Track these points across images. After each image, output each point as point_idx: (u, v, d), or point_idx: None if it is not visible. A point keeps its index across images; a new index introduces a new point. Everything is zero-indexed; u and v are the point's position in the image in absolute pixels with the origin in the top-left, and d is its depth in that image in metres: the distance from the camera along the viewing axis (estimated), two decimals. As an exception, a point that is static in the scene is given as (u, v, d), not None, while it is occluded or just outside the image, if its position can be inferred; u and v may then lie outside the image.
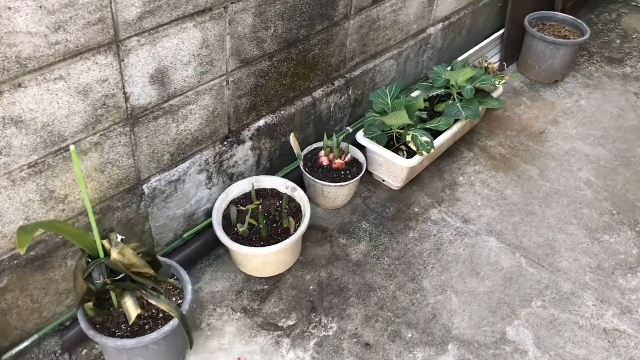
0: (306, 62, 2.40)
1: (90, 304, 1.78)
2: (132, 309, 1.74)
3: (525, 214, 2.62)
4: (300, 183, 2.54)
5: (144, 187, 2.01)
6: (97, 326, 1.79)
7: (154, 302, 1.79)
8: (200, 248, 2.28)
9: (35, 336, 1.93)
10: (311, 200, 2.57)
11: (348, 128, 2.85)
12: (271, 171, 2.54)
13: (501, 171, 2.84)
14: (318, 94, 2.56)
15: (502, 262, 2.39)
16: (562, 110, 3.27)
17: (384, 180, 2.71)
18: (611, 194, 2.75)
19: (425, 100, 2.92)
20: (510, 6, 3.36)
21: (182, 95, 1.96)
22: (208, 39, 1.92)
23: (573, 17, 3.49)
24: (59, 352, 1.98)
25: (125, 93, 1.77)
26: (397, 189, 2.69)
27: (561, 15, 3.53)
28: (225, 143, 2.24)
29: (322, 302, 2.20)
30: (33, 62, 1.49)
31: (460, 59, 3.20)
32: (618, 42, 3.92)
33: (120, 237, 1.69)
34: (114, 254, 1.65)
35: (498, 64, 3.52)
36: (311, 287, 2.25)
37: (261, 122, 2.35)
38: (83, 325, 1.77)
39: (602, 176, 2.84)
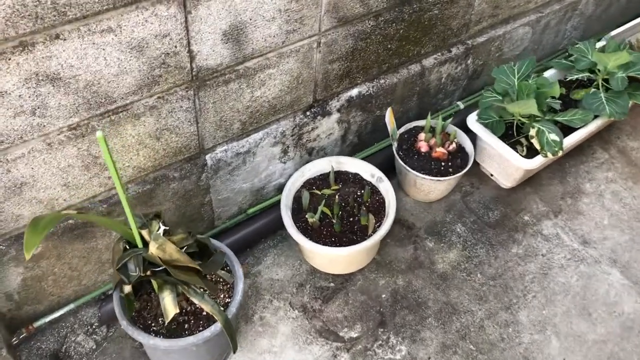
0: (420, 23, 1.95)
1: (128, 289, 1.55)
2: (170, 306, 1.49)
3: (664, 244, 2.11)
4: (392, 166, 2.16)
5: (207, 157, 1.73)
6: (134, 314, 1.58)
7: (196, 301, 1.53)
8: (266, 226, 1.99)
9: (72, 305, 1.75)
10: (401, 187, 2.20)
11: (459, 103, 2.39)
12: (358, 147, 2.17)
13: (641, 183, 2.31)
14: (429, 61, 2.12)
15: (624, 303, 1.93)
16: None
17: (492, 175, 2.27)
18: None
19: (560, 84, 2.39)
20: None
21: (261, 56, 1.61)
22: (300, -10, 1.54)
23: None
24: (96, 323, 1.80)
25: (190, 51, 1.45)
26: (506, 187, 2.25)
27: None
28: (308, 113, 1.89)
29: (394, 316, 1.87)
30: (74, 10, 1.19)
31: (613, 33, 2.59)
32: None
33: (163, 228, 1.42)
34: (152, 248, 1.38)
35: (660, 41, 2.85)
36: (383, 295, 1.92)
37: (354, 92, 1.96)
38: (117, 311, 1.55)
39: None
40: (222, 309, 1.57)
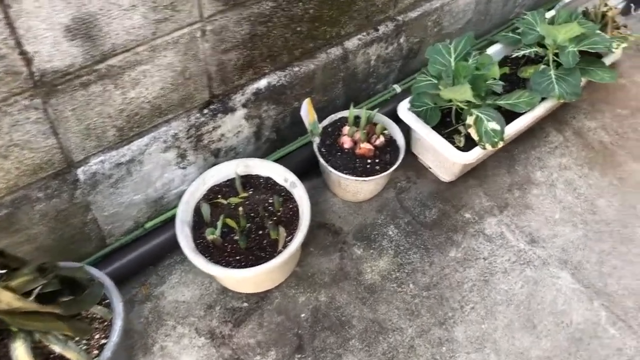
0: (334, 1, 1.67)
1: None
2: (23, 358, 1.26)
3: (620, 239, 1.89)
4: (317, 163, 1.91)
5: (79, 171, 1.47)
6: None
7: (57, 349, 1.30)
8: (170, 240, 1.74)
9: None
10: (327, 188, 1.95)
11: (395, 86, 2.13)
12: (278, 143, 1.91)
13: (597, 169, 2.07)
14: (352, 43, 1.85)
15: (573, 312, 1.72)
16: (703, 83, 2.37)
17: (430, 168, 2.02)
18: None
19: (507, 61, 2.13)
20: None
21: (126, 52, 1.33)
22: (162, -29, 1.25)
23: None
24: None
25: (23, 53, 1.17)
26: (446, 181, 2.01)
27: None
28: (206, 111, 1.63)
29: (313, 338, 1.65)
30: None
31: (568, -1, 2.32)
32: None
33: (-2, 271, 1.17)
34: (-19, 300, 1.14)
35: (622, 4, 2.59)
36: (303, 315, 1.69)
37: (261, 83, 1.70)
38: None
39: None
40: (95, 353, 1.35)
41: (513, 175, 2.04)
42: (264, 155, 1.90)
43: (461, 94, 1.73)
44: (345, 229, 1.88)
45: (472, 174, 2.03)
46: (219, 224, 1.58)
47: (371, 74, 2.01)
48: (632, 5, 2.56)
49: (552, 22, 2.03)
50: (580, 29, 1.88)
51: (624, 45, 2.01)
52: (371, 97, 2.10)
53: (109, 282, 1.45)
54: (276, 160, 1.91)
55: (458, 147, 1.86)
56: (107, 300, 1.45)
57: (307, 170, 1.94)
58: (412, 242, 1.85)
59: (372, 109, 2.06)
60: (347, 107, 2.03)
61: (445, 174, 1.96)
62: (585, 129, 2.19)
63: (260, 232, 1.63)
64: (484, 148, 1.77)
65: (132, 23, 1.29)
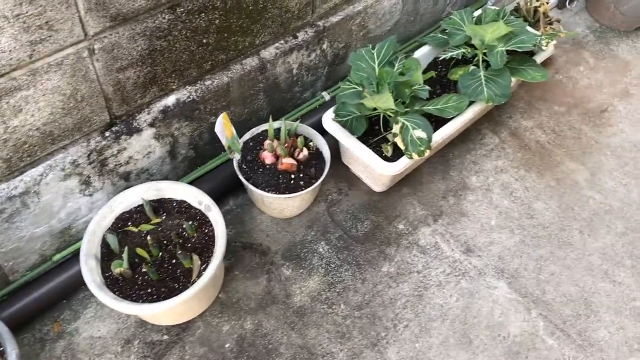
0: (242, 10, 1.57)
1: None
2: None
3: (558, 244, 1.83)
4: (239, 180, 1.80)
5: (-37, 208, 1.34)
6: None
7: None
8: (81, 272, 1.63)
9: None
10: (254, 205, 1.86)
11: (324, 94, 2.04)
12: (198, 160, 1.81)
13: (534, 170, 2.01)
14: (269, 52, 1.75)
15: (510, 324, 1.66)
16: (639, 75, 2.32)
17: (361, 177, 1.94)
18: (691, 218, 1.91)
19: (437, 63, 2.06)
20: None
21: (0, 77, 1.21)
22: (28, -12, 1.13)
23: None
24: None
25: None
26: (379, 191, 1.93)
27: None
28: (107, 134, 1.51)
29: (238, 370, 1.55)
30: None
31: (500, -6, 2.25)
32: None
33: None
34: None
35: (558, -2, 2.54)
36: (227, 345, 1.59)
37: (169, 100, 1.59)
38: None
39: (681, 189, 1.98)
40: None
41: (448, 181, 1.97)
42: (183, 174, 1.80)
43: (383, 102, 1.65)
44: (273, 249, 1.78)
45: (406, 181, 1.95)
46: (125, 255, 1.46)
47: (295, 82, 1.91)
48: (567, -2, 2.51)
49: (479, 21, 1.95)
50: (507, 28, 1.81)
51: (554, 42, 1.95)
52: (299, 106, 2.00)
53: (2, 328, 1.33)
54: (197, 179, 1.81)
55: (386, 157, 1.77)
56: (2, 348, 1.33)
57: (233, 187, 1.84)
58: (344, 259, 1.77)
59: (300, 118, 1.97)
60: (275, 118, 1.94)
61: (376, 185, 1.88)
62: (522, 128, 2.13)
63: (174, 260, 1.52)
64: (411, 157, 1.69)
65: (0, 47, 1.17)
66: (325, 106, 2.00)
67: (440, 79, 2.02)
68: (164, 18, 1.41)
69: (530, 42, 1.83)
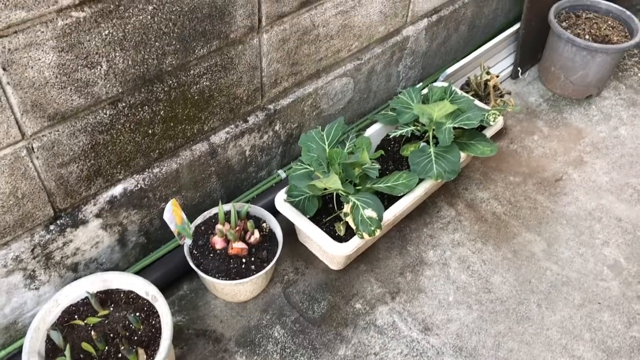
0: (187, 99, 1.60)
1: None
2: None
3: (516, 318, 1.81)
4: (191, 265, 1.79)
5: None
6: None
7: None
8: (30, 367, 1.58)
9: None
10: (208, 290, 1.83)
11: (280, 172, 2.05)
12: (151, 246, 1.80)
13: (491, 242, 2.01)
14: (219, 137, 1.77)
15: (469, 406, 1.62)
16: (592, 143, 2.37)
17: (317, 256, 1.93)
18: (648, 286, 1.91)
19: (389, 140, 2.09)
20: (530, -9, 2.42)
21: None
22: (-41, 97, 1.15)
23: (620, 7, 2.52)
24: None
25: None
26: (336, 269, 1.92)
27: (604, 3, 2.56)
28: (52, 227, 1.50)
29: None
30: None
31: (450, 70, 2.32)
32: (683, 34, 2.92)
33: None
34: None
35: (510, 69, 2.61)
36: None
37: (116, 190, 1.59)
38: None
39: (638, 257, 1.99)
40: None
41: (405, 256, 1.96)
42: (135, 260, 1.78)
43: (332, 183, 1.66)
44: (227, 335, 1.74)
45: (363, 257, 1.95)
46: (67, 352, 1.43)
47: (249, 163, 1.93)
48: (519, 68, 2.58)
49: (427, 99, 2.00)
50: (453, 107, 1.86)
51: (500, 118, 1.99)
52: (255, 185, 2.01)
53: None
54: (150, 265, 1.79)
55: (339, 236, 1.77)
56: None
57: (187, 271, 1.82)
58: (299, 343, 1.73)
59: (256, 197, 1.98)
60: (228, 200, 1.95)
61: (332, 263, 1.87)
62: (478, 200, 2.14)
63: (120, 355, 1.49)
64: (362, 237, 1.69)
65: None
66: (281, 184, 2.01)
67: (393, 154, 2.05)
68: (105, 113, 1.43)
69: (476, 120, 1.87)
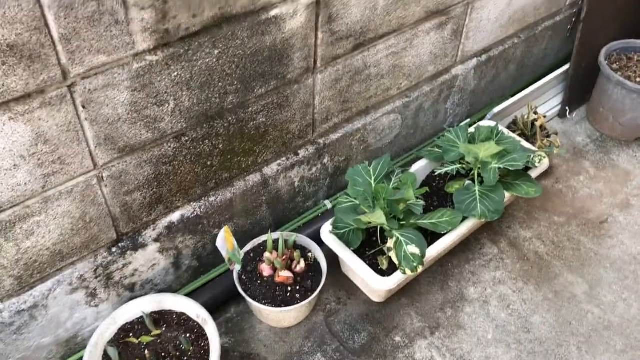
0: (244, 134, 1.70)
1: None
2: None
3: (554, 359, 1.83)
4: (239, 289, 1.87)
5: (-27, 322, 1.44)
6: None
7: None
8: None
9: None
10: (254, 314, 1.91)
11: (326, 202, 2.13)
12: (202, 270, 1.89)
13: (532, 282, 2.03)
14: (271, 169, 1.86)
15: None
16: (639, 186, 2.36)
17: (360, 287, 1.99)
18: (693, 336, 1.88)
19: (434, 176, 2.14)
20: (580, 32, 2.44)
21: (15, 207, 1.34)
22: (44, 132, 1.27)
23: (673, 50, 2.52)
24: None
25: None
26: (377, 301, 1.97)
27: (656, 45, 2.56)
28: (114, 250, 1.61)
29: None
30: None
31: (497, 109, 2.36)
32: None
33: None
34: None
35: (559, 107, 2.63)
36: None
37: (174, 216, 1.69)
38: None
39: (682, 305, 1.97)
40: None
41: (446, 292, 2.00)
42: (187, 282, 1.88)
43: (377, 218, 1.73)
44: (270, 359, 1.82)
45: (405, 291, 1.99)
46: (121, 369, 1.53)
47: (297, 194, 2.01)
48: (567, 108, 2.60)
49: (473, 138, 2.05)
50: (498, 148, 1.90)
51: (545, 159, 2.02)
52: (302, 215, 2.09)
53: None
54: (201, 287, 1.88)
55: (382, 270, 1.83)
56: None
57: (235, 295, 1.91)
58: (339, 371, 1.79)
59: (302, 226, 2.05)
60: (276, 228, 2.03)
61: (374, 296, 1.93)
62: (521, 239, 2.16)
63: (170, 373, 1.58)
64: (404, 273, 1.74)
65: (17, 181, 1.30)
66: (327, 214, 2.09)
67: (438, 191, 2.10)
68: (169, 147, 1.54)
69: (521, 161, 1.90)
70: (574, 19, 2.55)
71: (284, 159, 1.89)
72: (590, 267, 2.07)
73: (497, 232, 2.18)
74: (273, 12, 1.51)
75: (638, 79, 2.44)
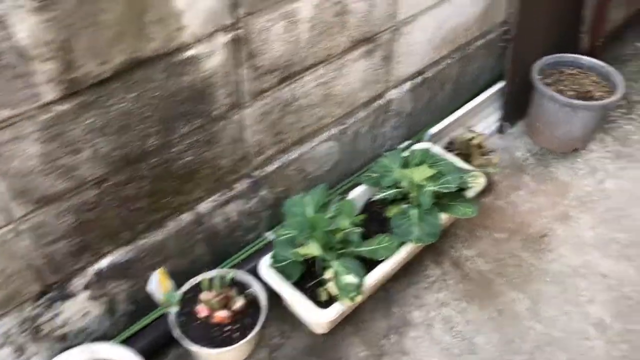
0: (172, 174, 1.67)
1: None
2: None
3: (499, 380, 1.83)
4: (179, 331, 1.83)
5: None
6: None
7: None
8: None
9: None
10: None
11: (267, 234, 2.11)
12: (139, 313, 1.84)
13: (476, 302, 2.04)
14: (205, 206, 1.84)
15: None
16: (578, 197, 2.40)
17: (303, 320, 1.97)
18: (633, 346, 1.91)
19: (374, 202, 2.14)
20: (511, 50, 2.49)
21: None
22: (-53, 190, 1.23)
23: (602, 63, 2.58)
24: None
25: None
26: (321, 333, 1.95)
27: (586, 59, 2.62)
28: (41, 302, 1.57)
29: None
30: None
31: (434, 130, 2.38)
32: (670, 83, 2.97)
33: None
34: None
35: (497, 124, 2.67)
36: None
37: (103, 263, 1.65)
38: None
39: (622, 314, 2.00)
40: None
41: (390, 318, 1.99)
42: (124, 327, 1.83)
43: (312, 250, 1.72)
44: (212, 400, 1.78)
45: (349, 320, 1.98)
46: None
47: (236, 228, 1.99)
48: (506, 123, 2.64)
49: (406, 163, 2.06)
50: (432, 171, 1.91)
51: (481, 179, 2.04)
52: (243, 248, 2.07)
53: None
54: (139, 331, 1.84)
55: (321, 302, 1.81)
56: None
57: (174, 338, 1.87)
58: (283, 408, 1.76)
59: (244, 261, 2.03)
60: (216, 264, 2.00)
61: (317, 327, 1.91)
62: (464, 258, 2.18)
63: None
64: (343, 303, 1.73)
65: None
66: (270, 246, 2.06)
67: (378, 215, 2.10)
68: (90, 193, 1.50)
69: (454, 183, 1.92)
70: (505, 37, 2.59)
71: (218, 195, 1.86)
72: (532, 283, 2.10)
73: (440, 253, 2.19)
74: (188, 53, 1.50)
75: (570, 93, 2.50)
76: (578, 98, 2.45)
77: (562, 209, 2.36)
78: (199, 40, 1.50)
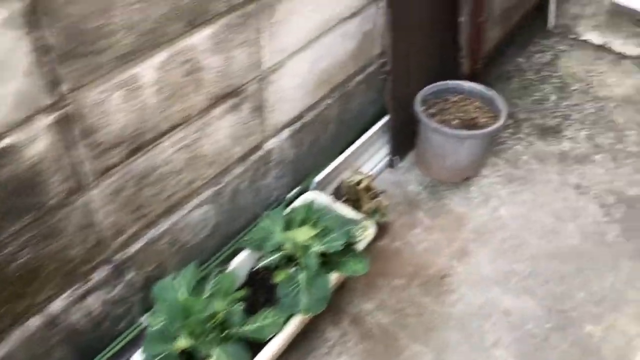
0: (8, 277, 1.41)
1: None
2: None
3: None
4: None
5: None
6: None
7: None
8: None
9: None
10: None
11: (143, 319, 1.87)
12: None
13: (379, 361, 1.90)
14: (58, 305, 1.58)
15: None
16: (474, 229, 2.33)
17: (190, 414, 1.75)
18: (541, 388, 1.84)
19: (256, 272, 1.96)
20: (390, 81, 2.39)
21: None
22: None
23: (483, 87, 2.54)
24: None
25: None
26: None
27: (468, 84, 2.57)
28: None
29: None
30: None
31: (319, 177, 2.24)
32: (553, 98, 2.99)
33: None
34: None
35: (386, 160, 2.57)
36: None
37: None
38: None
39: (527, 355, 1.92)
40: None
41: (289, 395, 1.82)
42: None
43: (184, 345, 1.51)
44: None
45: (243, 404, 1.78)
46: None
47: (102, 321, 1.74)
48: (396, 157, 2.55)
49: (289, 222, 1.89)
50: (315, 230, 1.77)
51: (370, 229, 1.91)
52: (116, 339, 1.82)
53: None
54: None
55: (205, 396, 1.61)
56: None
57: None
58: None
59: (118, 352, 1.79)
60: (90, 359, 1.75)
61: (205, 422, 1.70)
62: (363, 313, 2.04)
63: None
64: (227, 398, 1.53)
65: None
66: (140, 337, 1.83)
67: (266, 281, 1.92)
68: None
69: (342, 240, 1.78)
70: (383, 69, 2.50)
71: (72, 289, 1.61)
72: (436, 331, 1.99)
73: (338, 311, 2.04)
74: (5, 142, 1.26)
75: (455, 122, 2.44)
76: (464, 126, 2.40)
77: (460, 244, 2.27)
78: (13, 128, 1.26)
